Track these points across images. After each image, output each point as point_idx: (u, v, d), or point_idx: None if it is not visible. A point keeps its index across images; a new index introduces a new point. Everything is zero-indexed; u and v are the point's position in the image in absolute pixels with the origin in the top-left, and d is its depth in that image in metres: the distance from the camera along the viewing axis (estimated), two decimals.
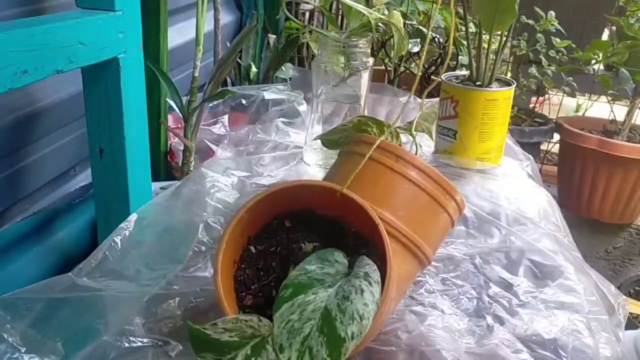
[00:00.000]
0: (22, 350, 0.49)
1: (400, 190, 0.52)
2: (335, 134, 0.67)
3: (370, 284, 0.40)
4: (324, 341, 0.38)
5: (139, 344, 0.51)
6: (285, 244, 0.50)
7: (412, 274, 0.54)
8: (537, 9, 1.66)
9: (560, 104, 2.03)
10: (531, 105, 2.07)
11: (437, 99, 0.99)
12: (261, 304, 0.47)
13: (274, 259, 0.49)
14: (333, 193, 0.47)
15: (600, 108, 1.90)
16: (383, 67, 1.24)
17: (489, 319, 0.57)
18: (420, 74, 0.76)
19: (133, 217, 0.67)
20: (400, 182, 0.52)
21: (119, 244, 0.64)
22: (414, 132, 0.65)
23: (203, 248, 0.65)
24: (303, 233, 0.50)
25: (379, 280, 0.42)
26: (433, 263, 0.65)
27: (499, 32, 0.87)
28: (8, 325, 0.51)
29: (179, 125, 0.98)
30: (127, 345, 0.51)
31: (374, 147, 0.52)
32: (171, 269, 0.61)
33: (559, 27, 1.66)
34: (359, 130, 0.63)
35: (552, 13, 1.66)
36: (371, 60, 0.83)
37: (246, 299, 0.48)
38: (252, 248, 0.50)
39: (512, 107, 0.97)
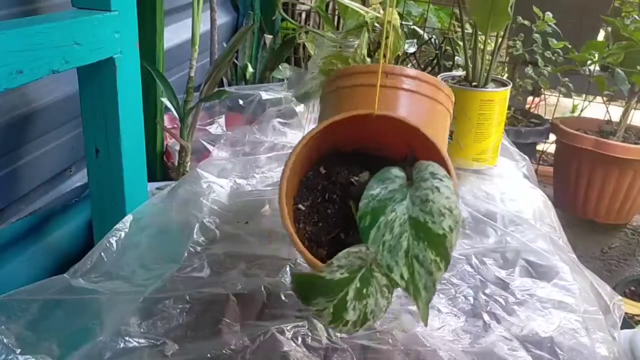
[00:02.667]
0: (17, 352, 0.49)
1: (401, 101, 0.55)
2: (306, 85, 0.67)
3: (441, 179, 0.41)
4: (426, 245, 0.38)
5: (135, 344, 0.51)
6: (331, 189, 0.50)
7: None
8: (535, 9, 1.66)
9: (556, 104, 2.04)
10: (527, 106, 2.07)
11: None
12: (334, 253, 0.46)
13: (327, 207, 0.50)
14: (362, 121, 0.47)
15: (596, 108, 1.90)
16: None
17: (486, 318, 0.57)
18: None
19: (128, 217, 0.67)
20: (398, 94, 0.55)
21: (115, 245, 0.64)
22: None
23: (199, 249, 0.65)
24: (343, 171, 0.51)
25: (447, 174, 0.42)
26: None
27: (495, 33, 0.88)
28: (3, 327, 0.51)
29: (175, 126, 0.98)
30: (122, 345, 0.50)
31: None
32: (167, 269, 0.61)
33: (556, 28, 1.66)
34: (326, 72, 0.64)
35: (549, 14, 1.66)
36: (367, 60, 0.83)
37: (318, 252, 0.47)
38: (300, 206, 0.50)
39: (508, 108, 0.97)
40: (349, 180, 0.50)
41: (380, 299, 0.39)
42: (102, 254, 0.62)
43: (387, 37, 0.63)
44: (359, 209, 0.42)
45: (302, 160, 0.49)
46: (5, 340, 0.49)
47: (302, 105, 1.06)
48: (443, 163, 0.45)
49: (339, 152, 0.53)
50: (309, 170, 0.52)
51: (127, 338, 0.51)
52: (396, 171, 0.44)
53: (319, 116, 0.62)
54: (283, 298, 0.57)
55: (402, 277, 0.38)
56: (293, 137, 0.98)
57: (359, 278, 0.39)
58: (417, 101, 0.56)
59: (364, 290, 0.39)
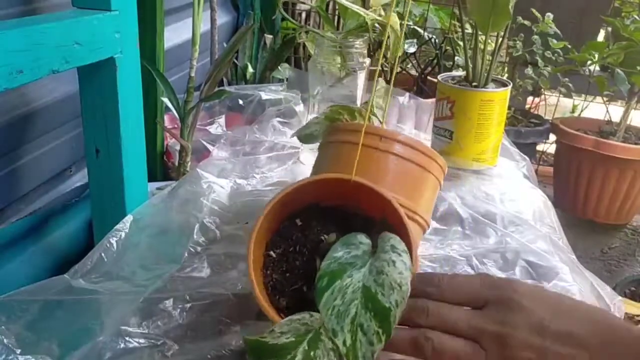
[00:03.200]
0: (18, 352, 0.49)
1: (390, 166, 0.57)
2: (309, 127, 0.69)
3: (399, 254, 0.43)
4: (372, 315, 0.40)
5: (135, 344, 0.51)
6: (302, 242, 0.51)
7: (417, 239, 0.59)
8: (534, 11, 1.66)
9: (556, 104, 2.04)
10: (527, 106, 2.07)
11: (433, 100, 0.99)
12: (293, 304, 0.48)
13: (296, 259, 0.51)
14: (342, 183, 0.50)
15: (596, 109, 1.90)
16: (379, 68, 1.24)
17: None
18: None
19: (129, 218, 0.67)
20: (388, 159, 0.57)
21: (115, 246, 0.64)
22: (374, 109, 0.68)
23: (199, 249, 0.65)
24: (317, 227, 0.52)
25: (406, 249, 0.44)
26: (429, 264, 0.65)
27: (495, 33, 0.88)
28: (3, 327, 0.51)
29: (176, 126, 0.98)
30: (123, 346, 0.50)
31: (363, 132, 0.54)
32: (167, 269, 0.61)
33: (556, 29, 1.66)
34: (332, 119, 0.66)
35: (549, 15, 1.66)
36: (367, 60, 0.84)
37: (280, 302, 0.48)
38: (271, 253, 0.51)
39: (508, 108, 0.97)
40: (320, 236, 0.52)
41: None
42: (102, 254, 0.62)
43: (388, 39, 0.63)
44: (319, 269, 0.44)
45: (280, 208, 0.51)
46: (5, 341, 0.49)
47: (302, 106, 1.06)
48: (406, 235, 0.47)
49: (319, 206, 0.54)
50: (286, 219, 0.53)
51: (127, 338, 0.51)
52: (362, 237, 0.46)
53: (315, 163, 0.64)
54: None
55: (344, 343, 0.39)
56: (294, 138, 0.98)
57: (307, 341, 0.40)
58: (407, 169, 0.58)
59: (312, 353, 0.40)
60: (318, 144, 0.67)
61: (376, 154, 0.56)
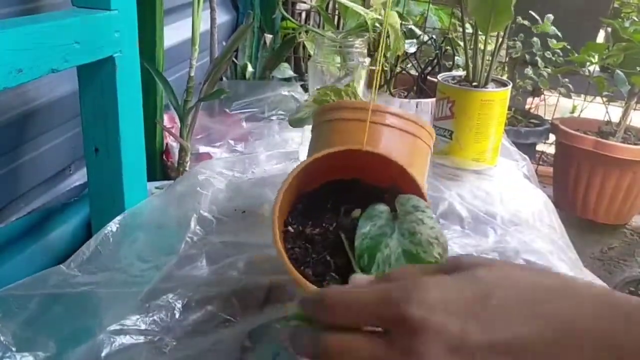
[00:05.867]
0: (14, 350, 0.48)
1: (386, 136, 0.60)
2: (299, 112, 0.71)
3: (423, 211, 0.45)
4: None
5: (133, 340, 0.51)
6: (319, 217, 0.53)
7: None
8: (532, 13, 1.66)
9: (555, 105, 2.04)
10: (527, 106, 2.08)
11: (433, 99, 0.99)
12: (319, 272, 0.50)
13: (314, 233, 0.52)
14: (352, 155, 0.52)
15: (595, 109, 1.90)
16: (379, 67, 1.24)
17: None
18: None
19: (127, 212, 0.67)
20: (382, 130, 0.60)
21: (111, 237, 0.64)
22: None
23: (196, 245, 0.65)
24: (333, 201, 0.54)
25: (427, 205, 0.46)
26: None
27: (495, 33, 0.88)
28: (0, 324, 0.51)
29: (175, 125, 0.98)
30: (120, 341, 0.50)
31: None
32: (164, 265, 0.61)
33: (555, 30, 1.66)
34: (320, 102, 0.68)
35: (550, 16, 1.66)
36: (367, 60, 0.83)
37: (305, 272, 0.49)
38: (290, 229, 0.53)
39: (508, 108, 0.97)
40: (339, 209, 0.54)
41: None
42: (99, 246, 0.62)
43: (384, 40, 0.63)
44: (355, 248, 0.45)
45: (298, 185, 0.52)
46: (1, 338, 0.49)
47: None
48: (421, 196, 0.49)
49: (332, 181, 0.56)
50: (302, 195, 0.55)
51: (125, 333, 0.51)
52: (381, 207, 0.48)
53: (310, 144, 0.67)
54: (284, 292, 0.57)
55: None
56: (292, 135, 0.98)
57: None
58: (400, 137, 0.62)
59: None
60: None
61: (372, 127, 0.59)
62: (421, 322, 0.29)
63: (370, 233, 0.45)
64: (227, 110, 1.10)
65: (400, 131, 0.61)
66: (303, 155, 0.88)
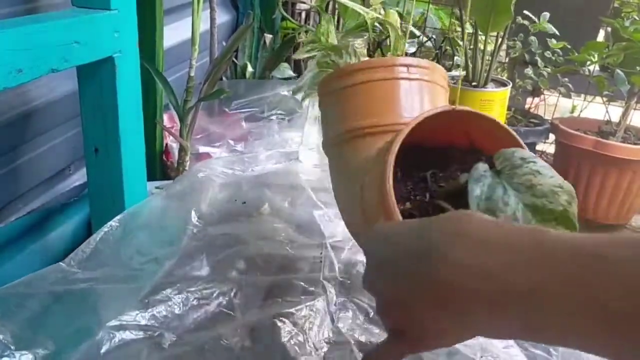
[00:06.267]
0: (13, 348, 0.48)
1: (420, 90, 0.57)
2: (300, 82, 0.68)
3: (534, 162, 0.42)
4: (554, 225, 0.39)
5: (133, 336, 0.51)
6: (418, 179, 0.51)
7: None
8: (527, 12, 1.66)
9: (555, 104, 2.04)
10: (527, 106, 2.07)
11: None
12: (416, 207, 0.49)
13: (415, 190, 0.50)
14: (442, 115, 0.49)
15: (595, 109, 1.90)
16: None
17: None
18: None
19: (126, 211, 0.67)
20: (418, 84, 0.56)
21: (111, 234, 0.64)
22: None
23: (196, 243, 0.65)
24: (426, 166, 0.52)
25: (533, 154, 0.43)
26: None
27: (495, 33, 0.88)
28: None
29: (175, 125, 0.98)
30: (120, 337, 0.50)
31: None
32: (164, 262, 0.61)
33: (554, 29, 1.66)
34: (322, 66, 0.65)
35: (545, 15, 1.66)
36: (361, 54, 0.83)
37: (405, 205, 0.48)
38: (398, 171, 0.51)
39: (508, 108, 0.97)
40: (419, 177, 0.51)
41: None
42: (99, 243, 0.62)
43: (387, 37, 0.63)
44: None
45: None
46: (0, 337, 0.49)
47: (302, 105, 1.06)
48: (522, 147, 0.46)
49: (414, 147, 0.52)
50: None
51: (125, 329, 0.51)
52: (483, 166, 0.45)
53: (326, 115, 0.62)
54: (285, 289, 0.57)
55: None
56: (292, 135, 0.98)
57: None
58: (422, 88, 0.57)
59: None
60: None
61: (385, 85, 0.56)
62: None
63: (483, 194, 0.42)
64: (227, 109, 1.10)
65: (422, 81, 0.57)
66: (303, 155, 0.88)
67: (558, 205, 0.39)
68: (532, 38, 1.67)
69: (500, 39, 0.88)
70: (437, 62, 1.27)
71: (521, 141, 0.47)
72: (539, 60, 1.72)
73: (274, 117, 1.08)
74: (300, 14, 1.48)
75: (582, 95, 1.93)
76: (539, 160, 0.42)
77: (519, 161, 0.42)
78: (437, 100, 0.59)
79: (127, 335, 0.51)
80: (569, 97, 1.91)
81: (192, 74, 0.89)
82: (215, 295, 0.56)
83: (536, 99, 2.09)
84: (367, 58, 0.71)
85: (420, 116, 0.48)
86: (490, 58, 0.89)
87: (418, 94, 0.57)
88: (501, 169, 0.43)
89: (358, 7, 0.77)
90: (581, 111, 1.95)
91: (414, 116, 0.50)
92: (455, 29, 1.52)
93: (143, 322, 0.52)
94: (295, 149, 0.92)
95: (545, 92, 1.95)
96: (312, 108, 0.89)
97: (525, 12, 1.66)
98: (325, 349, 0.51)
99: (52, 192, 0.78)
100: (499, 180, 0.43)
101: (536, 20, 1.64)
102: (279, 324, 0.52)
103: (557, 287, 0.27)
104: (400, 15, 1.24)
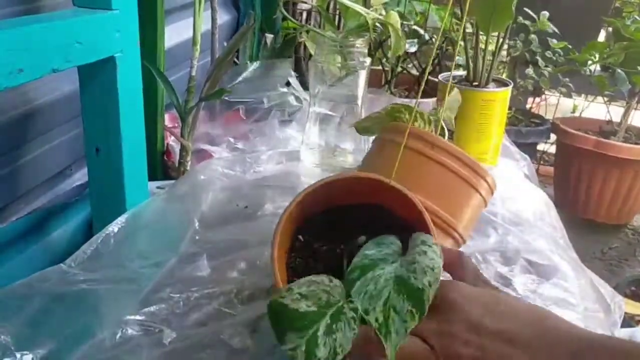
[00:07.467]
0: (13, 349, 0.48)
1: (436, 175, 0.57)
2: (368, 121, 0.69)
3: (429, 246, 0.44)
4: (404, 297, 0.41)
5: (133, 333, 0.51)
6: (329, 235, 0.52)
7: None
8: (527, 10, 1.66)
9: (556, 104, 2.04)
10: (528, 106, 2.07)
11: (434, 99, 0.99)
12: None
13: (321, 249, 0.52)
14: (379, 184, 0.49)
15: (596, 109, 1.90)
16: (380, 67, 1.24)
17: None
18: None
19: (128, 212, 0.67)
20: (435, 168, 0.57)
21: (112, 236, 0.64)
22: (440, 118, 0.65)
23: (198, 244, 0.65)
24: (349, 223, 0.53)
25: (436, 243, 0.45)
26: None
27: (496, 33, 0.88)
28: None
29: (176, 125, 0.98)
30: (121, 334, 0.51)
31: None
32: (165, 263, 0.61)
33: (554, 29, 1.66)
34: (391, 117, 0.65)
35: (545, 14, 1.66)
36: (368, 60, 0.83)
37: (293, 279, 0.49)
38: (300, 237, 0.52)
39: (509, 108, 0.97)
40: (349, 233, 0.52)
41: (348, 332, 0.40)
42: (99, 245, 0.62)
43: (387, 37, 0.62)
44: (351, 263, 0.44)
45: (327, 196, 0.51)
46: (1, 337, 0.49)
47: (302, 105, 1.07)
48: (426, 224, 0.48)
49: (353, 203, 0.53)
50: (330, 210, 0.53)
51: (126, 327, 0.51)
52: (393, 239, 0.47)
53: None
54: None
55: (376, 320, 0.40)
56: (293, 135, 0.98)
57: (329, 315, 0.41)
58: (453, 182, 0.57)
59: (334, 326, 0.40)
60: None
61: (425, 161, 0.57)
62: (454, 303, 0.42)
63: (372, 256, 0.44)
64: (228, 108, 1.10)
65: (456, 176, 0.57)
66: (304, 155, 0.88)
67: (420, 283, 0.41)
68: (533, 36, 1.67)
69: (501, 39, 0.88)
70: (438, 62, 1.27)
71: (432, 232, 0.48)
72: (540, 60, 1.72)
73: (275, 116, 1.08)
74: (301, 13, 1.48)
75: (583, 95, 1.93)
76: (435, 247, 0.44)
77: (418, 242, 0.45)
78: (458, 195, 0.59)
79: (128, 333, 0.51)
80: (570, 97, 1.91)
81: (194, 73, 0.89)
82: (216, 295, 0.57)
83: (537, 99, 2.09)
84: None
85: (313, 185, 0.49)
86: (491, 58, 0.88)
87: (438, 177, 0.58)
88: (408, 249, 0.46)
89: (359, 8, 0.77)
90: (582, 111, 1.95)
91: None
92: (455, 29, 1.52)
93: (144, 321, 0.52)
94: (296, 147, 0.92)
95: (546, 92, 1.95)
96: (314, 107, 0.89)
97: (526, 9, 1.66)
98: None
99: (53, 192, 0.78)
100: (398, 255, 0.45)
101: (537, 19, 1.64)
102: None
103: None
104: (402, 15, 1.24)
